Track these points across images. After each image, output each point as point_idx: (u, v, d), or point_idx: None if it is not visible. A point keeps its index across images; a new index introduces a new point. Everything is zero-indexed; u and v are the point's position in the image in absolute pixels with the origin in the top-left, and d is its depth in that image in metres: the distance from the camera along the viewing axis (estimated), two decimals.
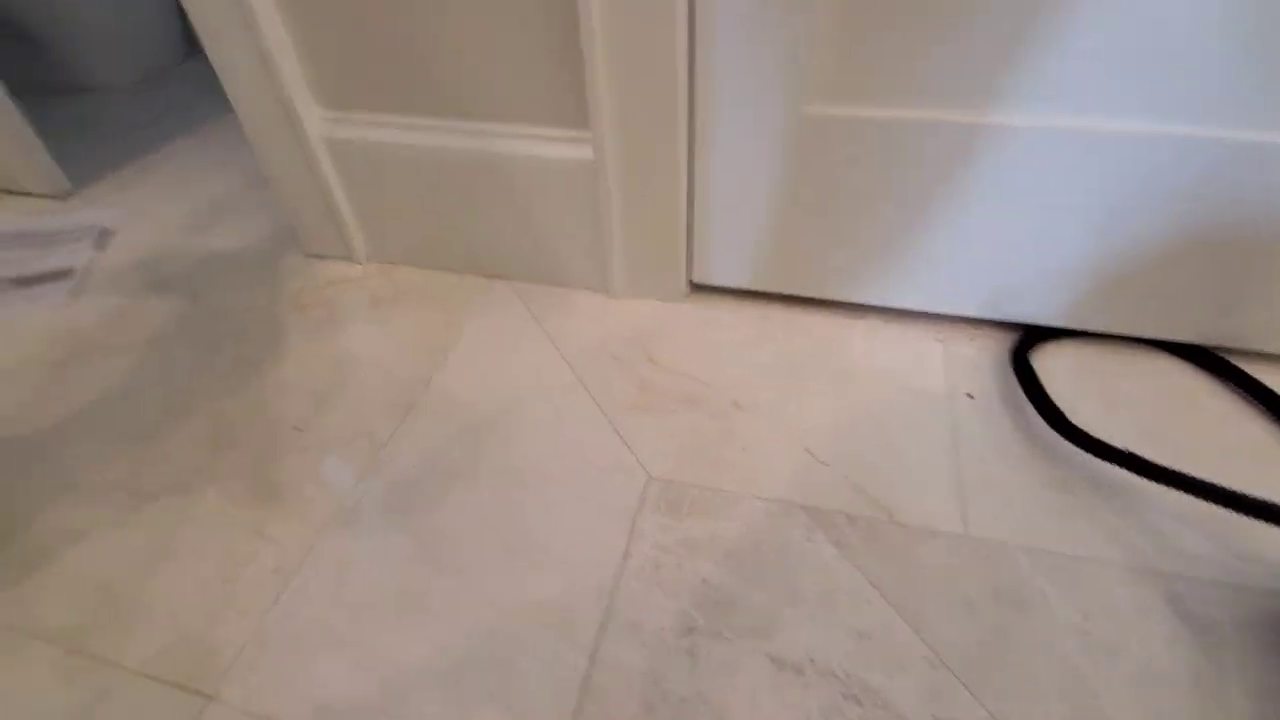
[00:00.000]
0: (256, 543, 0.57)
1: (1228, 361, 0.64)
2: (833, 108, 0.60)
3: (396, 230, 0.82)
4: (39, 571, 0.57)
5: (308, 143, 0.75)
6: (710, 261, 0.75)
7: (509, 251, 0.80)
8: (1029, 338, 0.69)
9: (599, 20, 0.58)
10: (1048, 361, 0.68)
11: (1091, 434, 0.57)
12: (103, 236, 0.92)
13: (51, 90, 1.32)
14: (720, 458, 0.61)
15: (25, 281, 0.85)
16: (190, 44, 1.43)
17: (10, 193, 1.04)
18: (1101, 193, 0.59)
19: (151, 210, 0.99)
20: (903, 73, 0.57)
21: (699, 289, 0.79)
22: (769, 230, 0.70)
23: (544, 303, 0.79)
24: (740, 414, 0.65)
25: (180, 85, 1.36)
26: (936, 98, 0.57)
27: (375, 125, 0.74)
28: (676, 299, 0.78)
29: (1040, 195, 0.60)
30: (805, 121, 0.61)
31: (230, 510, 0.60)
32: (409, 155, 0.74)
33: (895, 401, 0.65)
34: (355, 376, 0.71)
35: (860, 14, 0.54)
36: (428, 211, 0.79)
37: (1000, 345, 0.70)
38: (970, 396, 0.65)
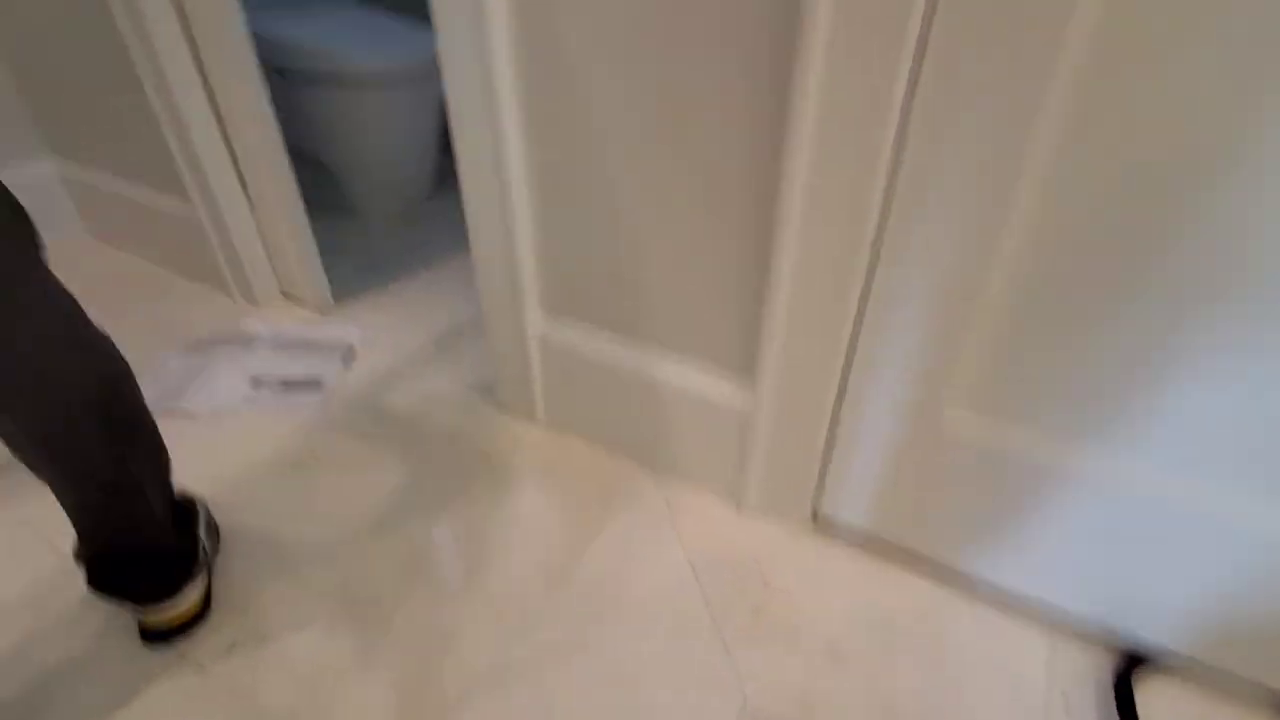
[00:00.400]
0: (431, 672, 0.71)
1: None
2: (970, 413, 0.69)
3: (574, 409, 0.98)
4: (264, 648, 0.73)
5: (524, 331, 0.94)
6: (837, 499, 0.84)
7: (662, 451, 0.93)
8: (1137, 660, 0.72)
9: (783, 298, 0.71)
10: (1152, 690, 0.70)
11: None
12: (348, 354, 1.16)
13: (325, 208, 1.66)
14: (811, 703, 0.69)
15: (289, 385, 1.09)
16: (444, 178, 1.75)
17: (289, 297, 1.33)
18: (1231, 559, 0.63)
19: (389, 336, 1.23)
20: (1048, 403, 0.66)
21: (823, 520, 0.88)
22: (896, 490, 0.79)
23: (682, 502, 0.91)
24: (836, 665, 0.72)
25: (429, 218, 1.66)
26: (1068, 431, 0.66)
27: (580, 333, 0.91)
28: (800, 526, 0.87)
29: (1172, 544, 0.66)
30: (944, 418, 0.71)
31: (413, 634, 0.74)
32: (599, 361, 0.91)
33: (989, 690, 0.70)
34: (520, 536, 0.86)
35: (1008, 344, 0.64)
36: (603, 403, 0.95)
37: (1107, 659, 0.73)
38: (1065, 697, 0.69)
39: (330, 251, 1.45)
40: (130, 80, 1.13)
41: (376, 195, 1.64)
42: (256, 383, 1.09)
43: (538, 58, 0.73)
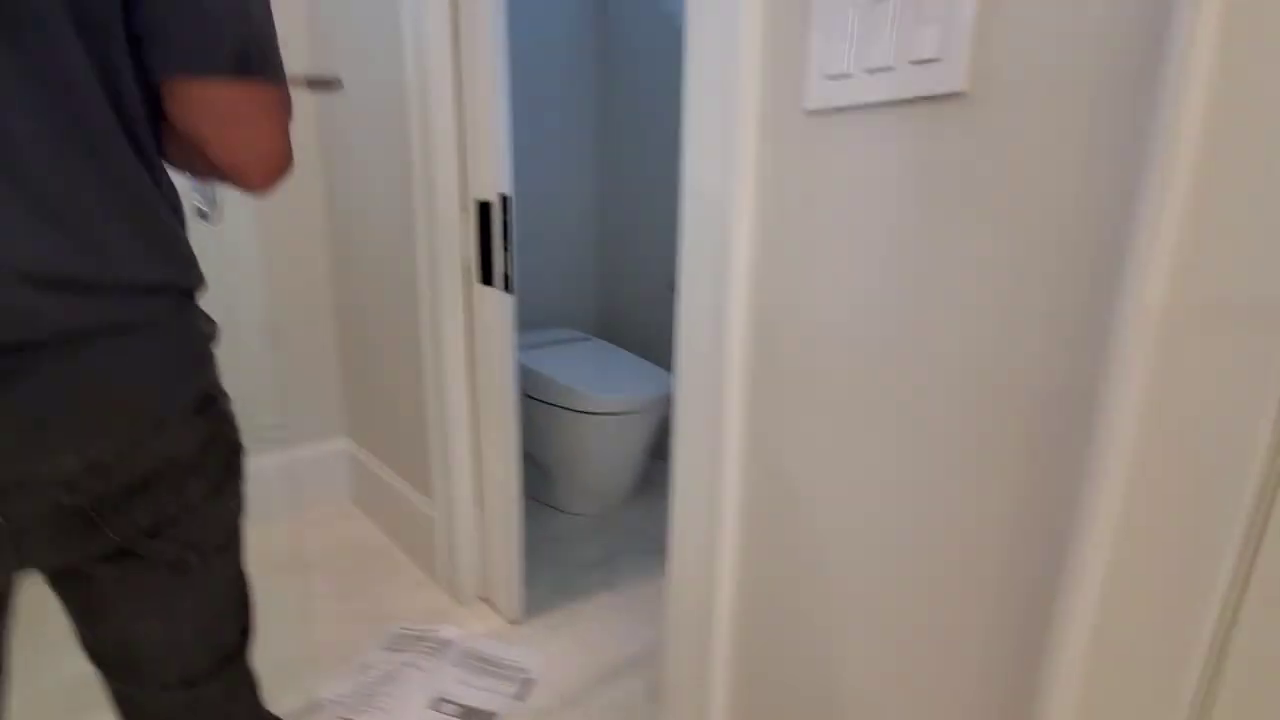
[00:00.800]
0: None
1: None
2: None
3: None
4: None
5: None
6: None
7: None
8: None
9: None
10: None
11: None
12: (525, 687, 1.18)
13: (528, 495, 1.82)
14: None
15: (466, 714, 1.11)
16: (645, 482, 1.86)
17: (485, 601, 1.42)
18: None
19: (567, 670, 1.23)
20: None
21: None
22: None
23: None
24: None
25: (627, 518, 1.75)
26: None
27: None
28: None
29: None
30: None
31: None
32: None
33: None
34: None
35: None
36: None
37: None
38: None
39: (526, 542, 1.55)
40: (419, 400, 1.40)
41: (582, 496, 1.78)
42: (437, 704, 1.13)
43: (758, 459, 0.78)
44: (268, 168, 0.51)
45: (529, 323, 2.14)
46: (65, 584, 0.52)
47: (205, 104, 0.46)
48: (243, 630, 0.61)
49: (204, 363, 0.52)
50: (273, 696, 1.11)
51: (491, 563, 1.39)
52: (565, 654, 1.27)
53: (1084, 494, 0.51)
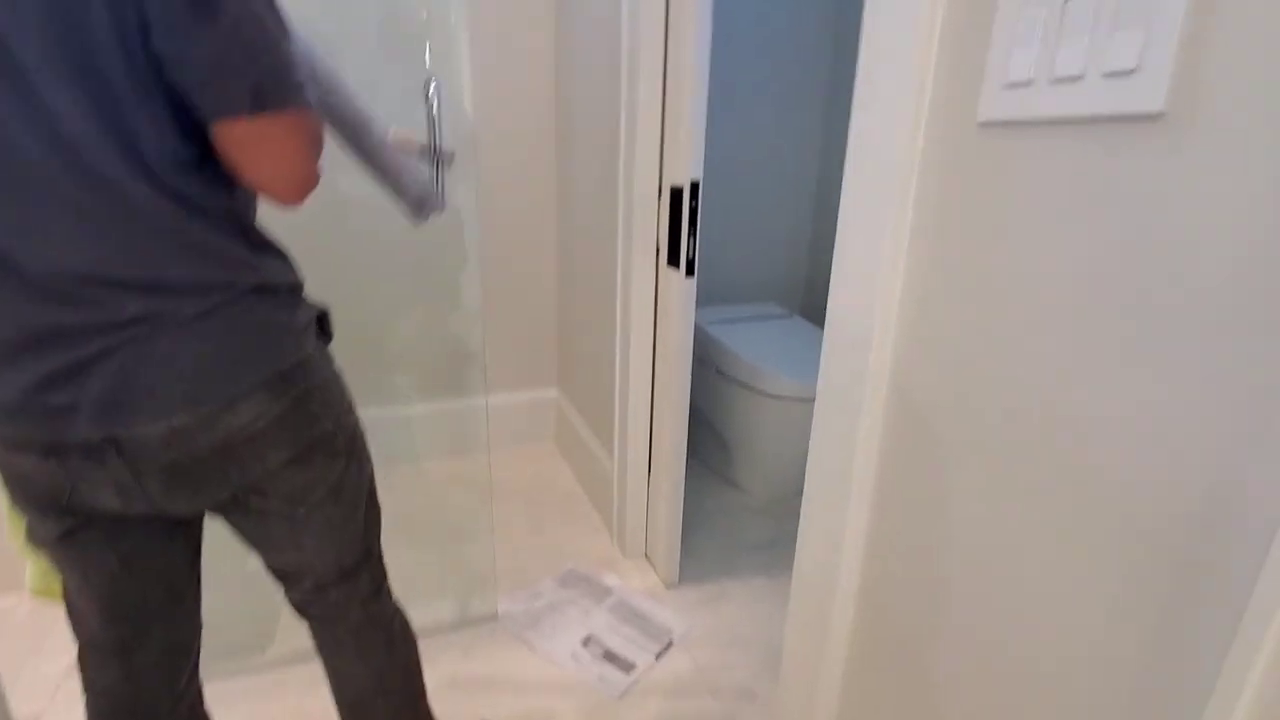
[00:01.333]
0: None
1: None
2: None
3: None
4: None
5: None
6: None
7: None
8: None
9: None
10: None
11: None
12: (667, 649, 1.26)
13: (710, 468, 1.87)
14: None
15: (608, 656, 1.22)
16: None
17: (646, 559, 1.52)
18: None
19: (707, 643, 1.29)
20: None
21: None
22: None
23: None
24: None
25: (797, 512, 1.72)
26: None
27: None
28: None
29: None
30: None
31: None
32: None
33: None
34: None
35: None
36: None
37: None
38: None
39: (698, 511, 1.61)
40: (610, 365, 1.51)
41: (759, 477, 1.79)
42: (586, 641, 1.26)
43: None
44: (290, 186, 0.56)
45: (733, 295, 2.16)
46: (225, 523, 0.66)
47: (231, 139, 0.52)
48: (364, 551, 0.72)
49: (275, 348, 0.58)
50: (462, 601, 1.32)
51: (655, 525, 1.48)
52: (709, 627, 1.32)
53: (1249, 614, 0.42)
